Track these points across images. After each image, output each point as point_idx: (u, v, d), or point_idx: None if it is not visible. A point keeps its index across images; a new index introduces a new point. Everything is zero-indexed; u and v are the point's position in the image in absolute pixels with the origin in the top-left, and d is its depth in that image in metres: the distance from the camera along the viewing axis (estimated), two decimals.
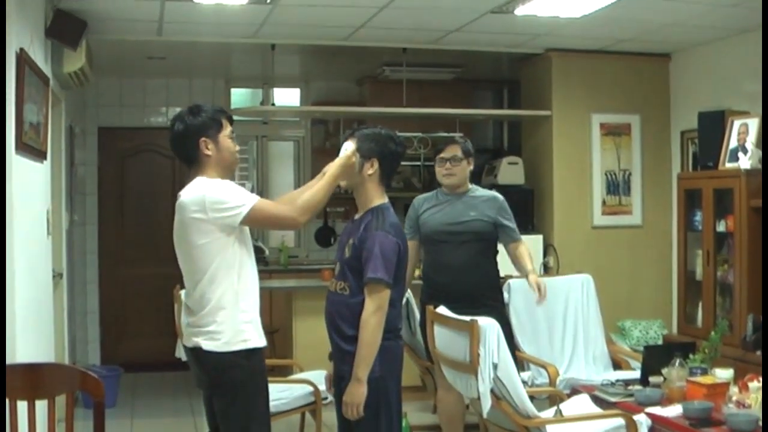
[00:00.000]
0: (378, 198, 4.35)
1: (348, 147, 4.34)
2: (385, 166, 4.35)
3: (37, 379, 3.56)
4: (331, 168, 4.28)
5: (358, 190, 4.36)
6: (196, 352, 4.14)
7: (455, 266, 5.90)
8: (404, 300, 5.65)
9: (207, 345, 4.07)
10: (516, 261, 6.16)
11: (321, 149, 10.20)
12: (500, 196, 6.21)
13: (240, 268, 4.12)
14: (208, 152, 4.17)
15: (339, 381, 4.29)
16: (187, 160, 4.24)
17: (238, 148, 4.37)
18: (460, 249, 5.90)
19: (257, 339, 4.16)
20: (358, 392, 4.12)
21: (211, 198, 4.02)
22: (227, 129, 4.24)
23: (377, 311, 4.13)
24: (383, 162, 4.33)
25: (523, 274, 6.07)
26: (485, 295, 5.97)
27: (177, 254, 4.22)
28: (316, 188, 4.24)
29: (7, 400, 3.47)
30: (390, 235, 4.21)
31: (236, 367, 4.06)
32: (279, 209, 4.21)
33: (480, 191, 6.21)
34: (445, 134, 8.69)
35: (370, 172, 4.30)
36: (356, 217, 4.41)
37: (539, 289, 5.85)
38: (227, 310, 4.07)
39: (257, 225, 4.28)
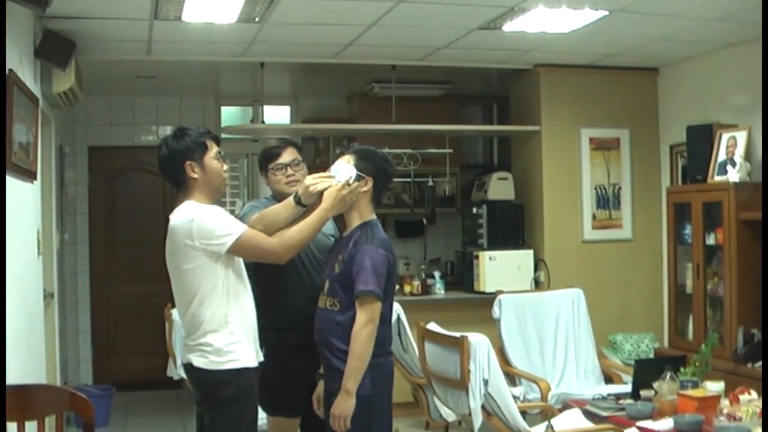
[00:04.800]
0: (367, 215, 4.40)
1: (343, 168, 4.36)
2: (378, 186, 4.41)
3: (27, 400, 3.56)
4: (325, 202, 4.30)
5: (349, 207, 4.38)
6: (188, 368, 4.22)
7: (308, 290, 4.70)
8: (395, 316, 5.63)
9: (197, 362, 4.14)
10: None
11: (311, 166, 10.13)
12: None
13: (229, 289, 4.16)
14: (195, 175, 4.19)
15: (329, 398, 4.29)
16: (175, 183, 4.28)
17: (226, 167, 4.38)
18: (309, 272, 4.83)
19: (248, 359, 4.18)
20: (347, 405, 4.14)
21: (199, 225, 4.07)
22: (213, 150, 4.25)
23: (368, 323, 4.15)
24: (377, 181, 4.39)
25: None
26: None
27: (170, 275, 4.26)
28: (304, 224, 4.28)
29: None
30: (380, 249, 4.25)
31: (224, 384, 4.10)
32: (264, 242, 4.23)
33: None
34: (435, 150, 8.72)
35: (365, 189, 4.35)
36: (344, 234, 4.43)
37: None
38: (218, 330, 4.12)
39: (242, 255, 4.26)
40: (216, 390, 4.12)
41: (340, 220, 4.54)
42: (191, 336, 4.18)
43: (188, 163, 4.18)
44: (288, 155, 4.93)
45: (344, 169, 4.36)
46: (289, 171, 4.90)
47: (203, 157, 4.21)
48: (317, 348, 4.40)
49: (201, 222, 4.07)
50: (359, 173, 4.33)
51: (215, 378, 4.11)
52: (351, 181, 4.31)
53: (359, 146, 4.54)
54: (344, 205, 4.33)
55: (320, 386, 4.55)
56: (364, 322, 4.15)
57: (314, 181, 4.37)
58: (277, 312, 4.73)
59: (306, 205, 4.41)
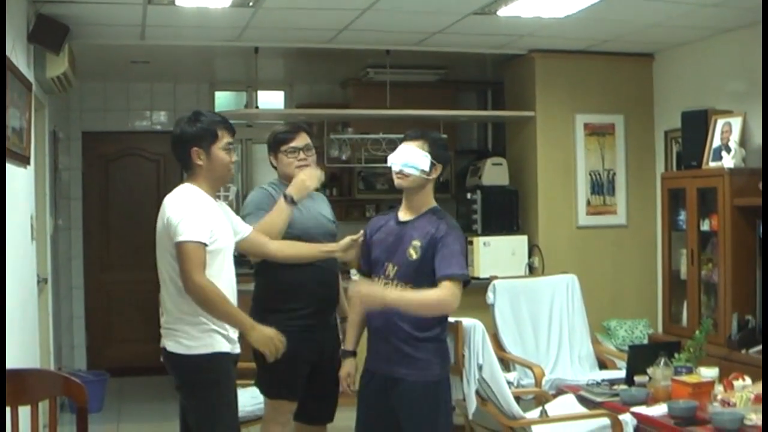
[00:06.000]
0: (432, 201, 4.50)
1: (415, 155, 4.37)
2: (443, 174, 4.52)
3: (20, 385, 3.55)
4: (245, 325, 4.20)
5: (416, 191, 4.45)
6: (163, 353, 4.23)
7: (319, 273, 4.90)
8: None
9: (171, 347, 4.17)
10: None
11: None
12: None
13: (210, 276, 4.08)
14: (200, 162, 4.21)
15: (386, 382, 4.30)
16: (182, 165, 4.31)
17: (234, 158, 4.36)
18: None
19: (222, 344, 4.17)
20: (387, 299, 4.14)
21: (169, 216, 4.09)
22: (224, 140, 4.26)
23: (452, 301, 4.19)
24: (444, 170, 4.48)
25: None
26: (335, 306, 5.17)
27: (156, 252, 4.26)
28: (222, 309, 4.10)
29: None
30: (462, 234, 4.39)
31: (198, 370, 4.11)
32: (194, 270, 4.02)
33: None
34: None
35: (435, 175, 4.44)
36: (407, 218, 4.45)
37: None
38: (191, 315, 4.12)
39: (178, 258, 4.09)
40: (191, 375, 4.13)
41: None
42: (167, 320, 4.19)
43: (195, 149, 4.19)
44: (301, 140, 5.05)
45: (417, 156, 4.38)
46: (302, 155, 5.01)
47: (211, 146, 4.21)
48: (379, 334, 4.39)
49: (171, 216, 4.08)
50: (433, 161, 4.38)
51: (190, 363, 4.11)
52: (427, 170, 4.37)
53: (430, 132, 4.55)
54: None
55: (348, 364, 4.59)
56: (449, 296, 4.17)
57: (305, 177, 4.50)
58: (287, 294, 4.77)
59: (296, 203, 4.65)
